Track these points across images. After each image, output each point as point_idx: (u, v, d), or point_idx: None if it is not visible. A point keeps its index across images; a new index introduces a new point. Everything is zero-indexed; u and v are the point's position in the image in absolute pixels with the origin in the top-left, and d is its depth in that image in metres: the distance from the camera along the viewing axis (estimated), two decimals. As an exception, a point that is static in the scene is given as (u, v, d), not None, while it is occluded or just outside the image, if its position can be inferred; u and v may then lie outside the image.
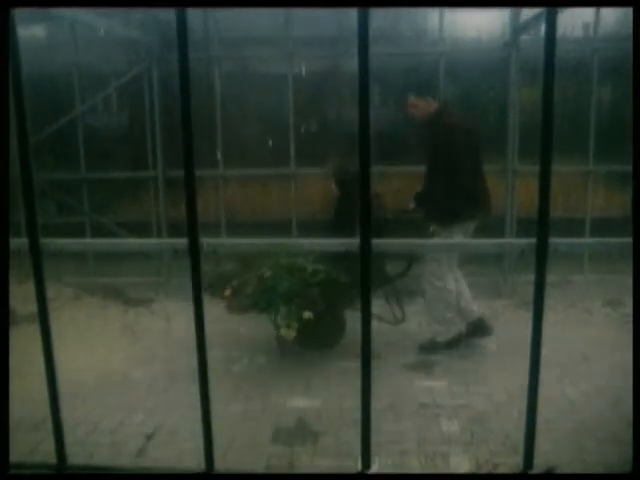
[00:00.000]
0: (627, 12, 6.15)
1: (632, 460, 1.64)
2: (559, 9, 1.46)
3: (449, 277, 4.50)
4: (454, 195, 4.23)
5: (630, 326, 1.81)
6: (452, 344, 4.53)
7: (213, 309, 4.25)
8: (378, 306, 4.51)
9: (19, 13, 1.52)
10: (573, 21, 5.99)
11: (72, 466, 1.86)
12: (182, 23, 1.40)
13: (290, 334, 3.98)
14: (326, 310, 4.16)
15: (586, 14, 5.78)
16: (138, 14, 6.03)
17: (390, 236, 3.89)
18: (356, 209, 4.53)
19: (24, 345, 2.99)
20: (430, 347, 4.54)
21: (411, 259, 4.64)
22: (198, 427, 1.80)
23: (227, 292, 4.23)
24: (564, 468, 2.93)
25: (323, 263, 4.28)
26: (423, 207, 4.53)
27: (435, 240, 4.24)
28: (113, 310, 5.62)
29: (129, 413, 3.64)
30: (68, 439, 1.86)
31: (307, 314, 4.00)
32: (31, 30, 6.48)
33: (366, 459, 1.67)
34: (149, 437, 3.37)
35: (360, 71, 1.39)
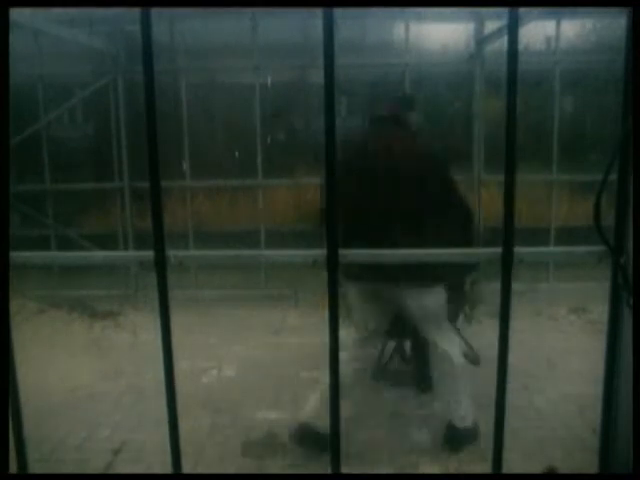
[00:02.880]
0: (585, 25, 6.29)
1: (632, 460, 1.66)
2: (523, 20, 1.48)
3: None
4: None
5: (597, 333, 1.83)
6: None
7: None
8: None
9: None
10: (535, 34, 6.09)
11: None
12: (147, 32, 1.39)
13: None
14: None
15: (547, 27, 5.89)
16: (103, 25, 5.98)
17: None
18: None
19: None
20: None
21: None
22: (166, 441, 1.77)
23: None
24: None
25: None
26: None
27: (406, 250, 4.23)
28: (79, 324, 5.54)
29: (95, 428, 3.59)
30: (32, 456, 1.82)
31: None
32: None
33: (336, 467, 1.66)
34: (116, 452, 3.32)
35: (325, 76, 1.40)
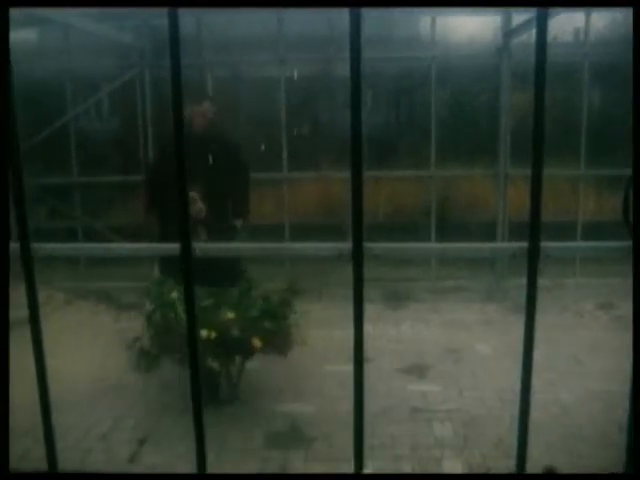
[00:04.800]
0: (615, 17, 6.20)
1: (632, 460, 1.64)
2: (552, 12, 1.46)
3: None
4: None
5: (624, 329, 1.81)
6: None
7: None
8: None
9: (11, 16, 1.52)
10: (564, 26, 6.02)
11: (63, 472, 1.85)
12: (174, 27, 1.40)
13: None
14: None
15: (577, 19, 5.81)
16: (131, 19, 6.03)
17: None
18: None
19: (15, 350, 2.97)
20: None
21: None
22: (190, 432, 1.79)
23: (257, 343, 3.47)
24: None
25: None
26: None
27: (430, 244, 4.23)
28: (105, 315, 5.60)
29: (121, 418, 3.63)
30: (59, 445, 1.85)
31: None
32: (23, 34, 6.47)
33: (359, 462, 1.67)
34: (141, 442, 3.35)
35: (352, 72, 1.39)
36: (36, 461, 2.36)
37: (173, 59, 1.41)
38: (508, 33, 5.74)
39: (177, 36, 1.41)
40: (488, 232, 6.06)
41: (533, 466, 1.95)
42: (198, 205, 4.16)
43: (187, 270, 1.55)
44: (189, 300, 1.59)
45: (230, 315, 3.47)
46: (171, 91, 1.46)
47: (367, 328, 1.66)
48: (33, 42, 6.77)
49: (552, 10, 4.21)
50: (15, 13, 1.53)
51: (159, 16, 5.56)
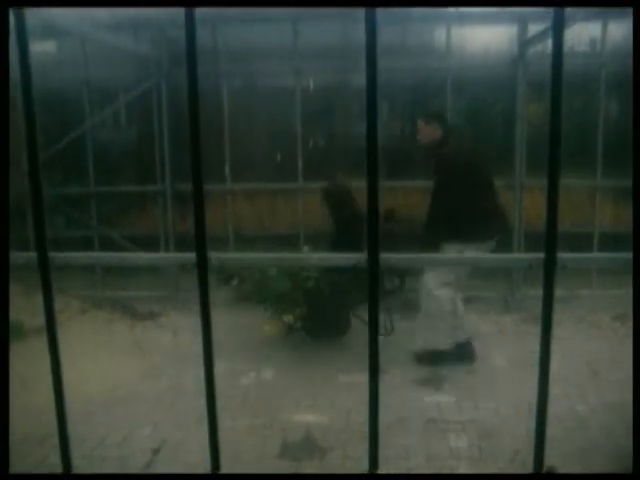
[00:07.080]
0: (632, 27, 6.17)
1: (632, 460, 1.63)
2: (567, 22, 1.46)
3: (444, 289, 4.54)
4: (466, 216, 4.27)
5: None
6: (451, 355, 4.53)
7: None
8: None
9: (29, 27, 1.53)
10: (580, 36, 5.99)
11: (63, 474, 1.86)
12: (191, 37, 1.41)
13: (271, 332, 4.53)
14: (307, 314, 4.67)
15: (593, 29, 5.79)
16: (147, 30, 6.08)
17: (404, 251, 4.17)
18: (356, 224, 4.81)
19: (31, 358, 2.99)
20: (428, 358, 4.56)
21: (404, 274, 4.99)
22: (205, 441, 1.79)
23: (234, 281, 4.53)
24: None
25: (328, 273, 4.51)
26: (434, 230, 4.48)
27: (444, 255, 4.23)
28: (120, 324, 5.62)
29: (136, 427, 3.63)
30: (74, 453, 1.86)
31: (287, 317, 4.53)
32: (41, 45, 6.54)
33: (373, 463, 1.66)
34: (156, 451, 3.36)
35: (368, 82, 1.40)
36: (52, 468, 2.37)
37: (190, 68, 1.42)
38: (524, 43, 5.73)
39: (194, 46, 1.42)
40: (504, 242, 6.03)
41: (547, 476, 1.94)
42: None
43: (203, 279, 1.56)
44: (205, 307, 1.59)
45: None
46: (187, 100, 1.47)
47: (381, 338, 1.65)
48: (51, 53, 6.83)
49: (568, 19, 4.21)
50: (33, 25, 1.55)
51: (176, 27, 5.61)
